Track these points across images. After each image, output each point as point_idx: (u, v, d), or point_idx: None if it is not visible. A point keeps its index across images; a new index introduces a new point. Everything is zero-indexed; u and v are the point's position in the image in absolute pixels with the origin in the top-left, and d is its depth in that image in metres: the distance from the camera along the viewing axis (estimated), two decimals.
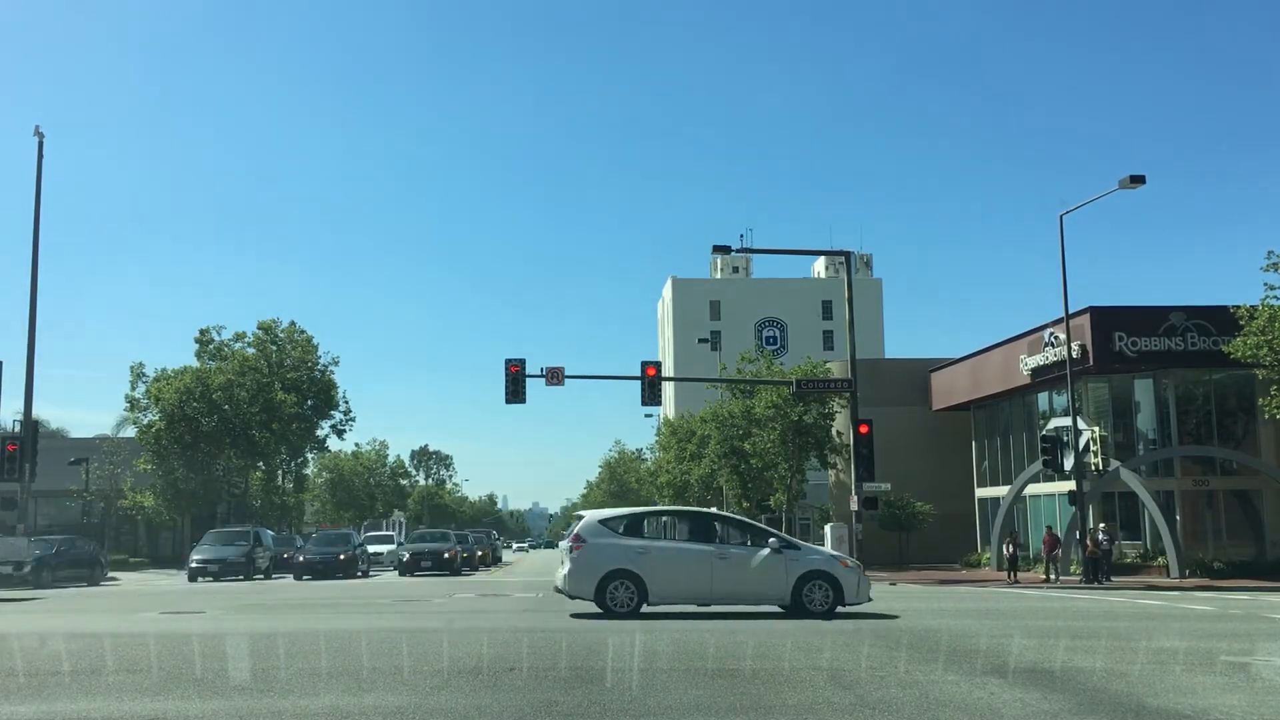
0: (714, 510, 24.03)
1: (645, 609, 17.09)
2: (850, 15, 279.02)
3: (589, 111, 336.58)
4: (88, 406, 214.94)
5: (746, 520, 19.69)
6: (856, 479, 34.37)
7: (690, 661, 11.09)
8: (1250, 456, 36.35)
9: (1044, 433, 36.20)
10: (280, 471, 59.28)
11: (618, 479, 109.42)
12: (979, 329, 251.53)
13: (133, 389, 52.37)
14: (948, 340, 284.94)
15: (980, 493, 46.39)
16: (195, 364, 54.14)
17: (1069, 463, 33.58)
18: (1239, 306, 32.10)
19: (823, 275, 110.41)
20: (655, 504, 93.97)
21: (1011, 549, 34.70)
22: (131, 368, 52.89)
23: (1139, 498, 35.36)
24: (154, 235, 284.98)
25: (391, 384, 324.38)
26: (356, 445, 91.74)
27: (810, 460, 50.66)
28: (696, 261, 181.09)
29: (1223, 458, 36.58)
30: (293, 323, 57.86)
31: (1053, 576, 33.21)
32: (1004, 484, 43.02)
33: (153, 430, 50.85)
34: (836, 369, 49.20)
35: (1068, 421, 34.17)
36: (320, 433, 59.83)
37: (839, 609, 17.17)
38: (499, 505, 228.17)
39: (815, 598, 17.16)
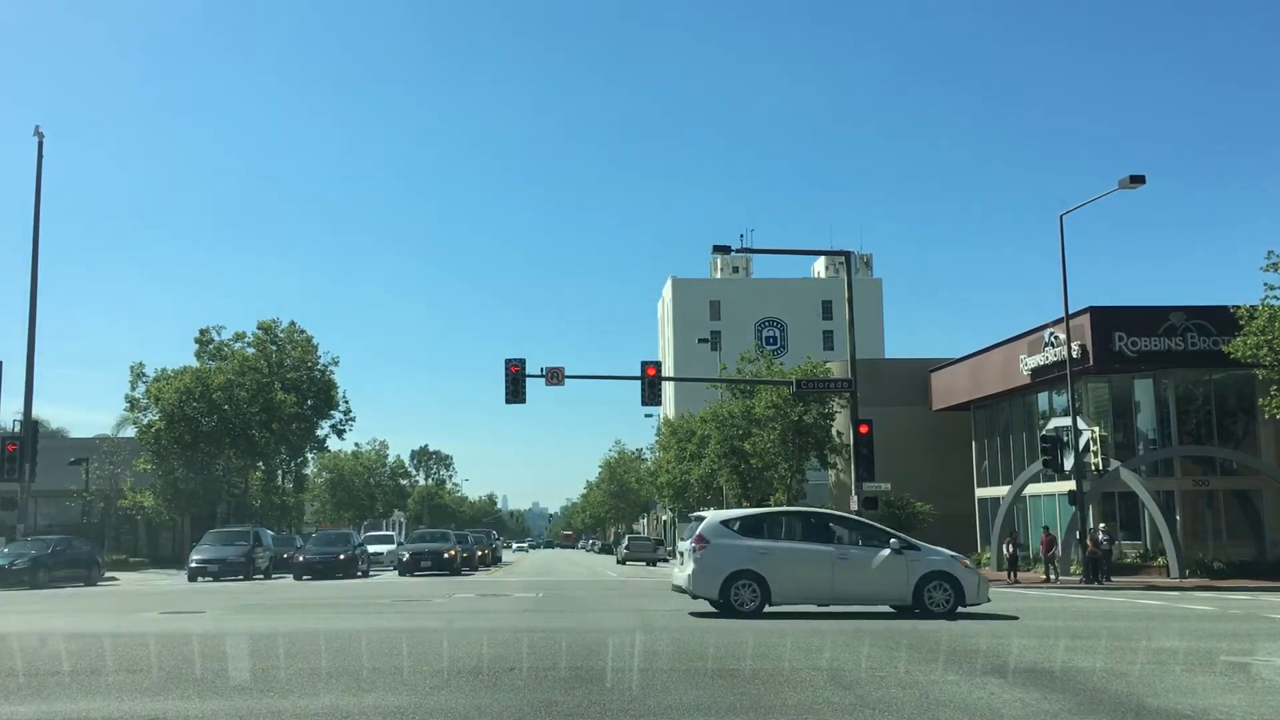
0: (834, 511, 24.03)
1: (767, 609, 17.17)
2: (850, 15, 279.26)
3: (589, 111, 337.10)
4: (88, 406, 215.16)
5: (865, 520, 19.61)
6: (856, 479, 34.36)
7: (690, 661, 11.09)
8: (1250, 456, 36.35)
9: (1044, 433, 36.20)
10: (280, 471, 59.23)
11: (618, 479, 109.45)
12: (979, 329, 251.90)
13: (133, 389, 52.36)
14: (948, 340, 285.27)
15: (980, 493, 46.40)
16: (195, 364, 54.09)
17: (1069, 463, 33.58)
18: (1239, 306, 32.10)
19: (823, 275, 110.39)
20: (656, 504, 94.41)
21: (1011, 549, 34.72)
22: (131, 368, 52.91)
23: (1139, 498, 35.36)
24: (154, 235, 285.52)
25: (391, 384, 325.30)
26: (356, 445, 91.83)
27: (810, 460, 50.68)
28: (696, 261, 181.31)
29: (1223, 458, 36.58)
30: (293, 323, 57.88)
31: (1052, 576, 33.22)
32: (1004, 484, 43.03)
33: (153, 430, 50.80)
34: (836, 369, 49.21)
35: (1068, 421, 34.17)
36: (320, 433, 59.78)
37: (959, 609, 17.22)
38: (499, 505, 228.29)
39: (937, 598, 17.22)
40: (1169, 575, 33.08)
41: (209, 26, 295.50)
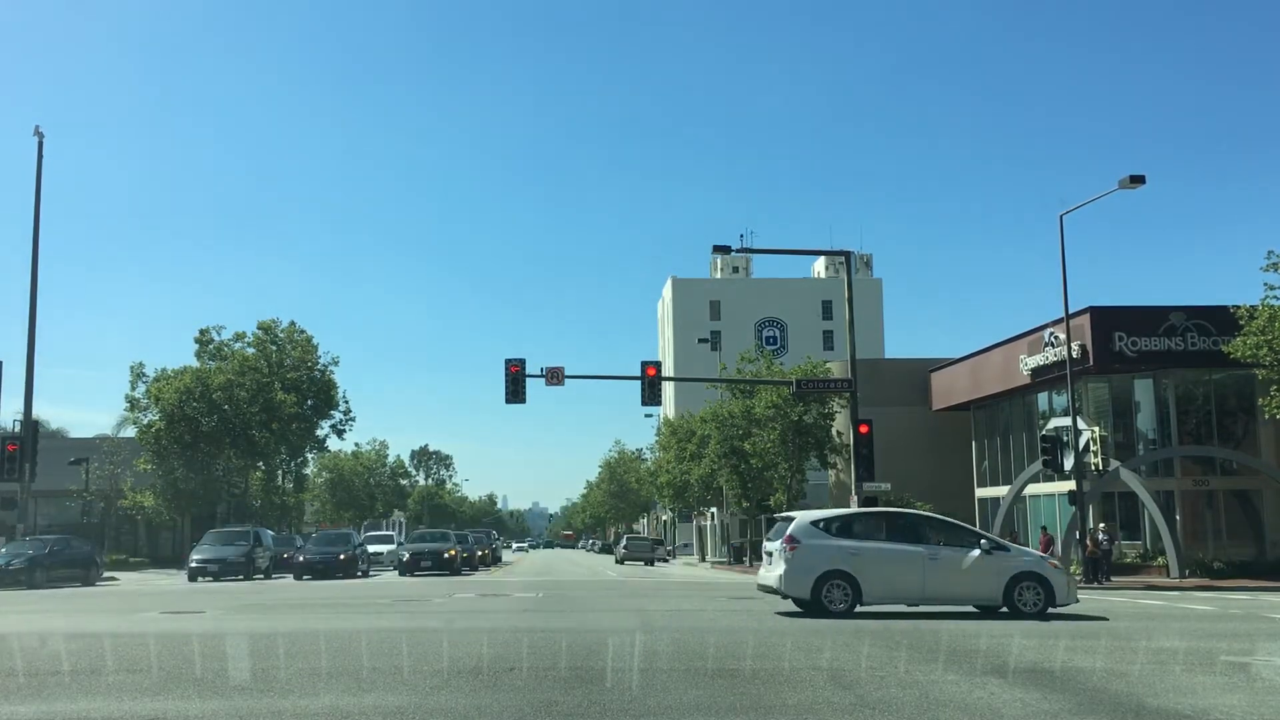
0: (922, 511, 23.85)
1: (859, 609, 17.17)
2: (850, 15, 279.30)
3: (589, 111, 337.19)
4: (88, 406, 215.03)
5: (954, 521, 19.59)
6: (856, 479, 34.36)
7: (690, 661, 11.08)
8: (1250, 456, 36.34)
9: (1044, 433, 36.19)
10: (280, 471, 59.21)
11: (618, 479, 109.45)
12: (979, 329, 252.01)
13: (133, 389, 52.37)
14: (948, 340, 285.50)
15: (980, 493, 46.39)
16: (195, 364, 54.09)
17: (1069, 463, 33.57)
18: (1239, 306, 32.09)
19: (823, 275, 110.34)
20: (656, 504, 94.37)
21: None
22: (131, 368, 52.91)
23: (1139, 498, 35.36)
24: (154, 235, 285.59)
25: (391, 384, 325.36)
26: (356, 445, 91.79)
27: (810, 460, 50.67)
28: (696, 261, 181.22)
29: (1223, 458, 36.58)
30: (293, 323, 57.87)
31: None
32: (1004, 484, 43.03)
33: (153, 430, 50.80)
34: (836, 369, 49.21)
35: (1068, 421, 34.16)
36: (320, 433, 59.77)
37: (1049, 610, 17.24)
38: (499, 505, 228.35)
39: (1027, 599, 17.26)
40: (1169, 575, 33.08)
41: (209, 26, 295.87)
